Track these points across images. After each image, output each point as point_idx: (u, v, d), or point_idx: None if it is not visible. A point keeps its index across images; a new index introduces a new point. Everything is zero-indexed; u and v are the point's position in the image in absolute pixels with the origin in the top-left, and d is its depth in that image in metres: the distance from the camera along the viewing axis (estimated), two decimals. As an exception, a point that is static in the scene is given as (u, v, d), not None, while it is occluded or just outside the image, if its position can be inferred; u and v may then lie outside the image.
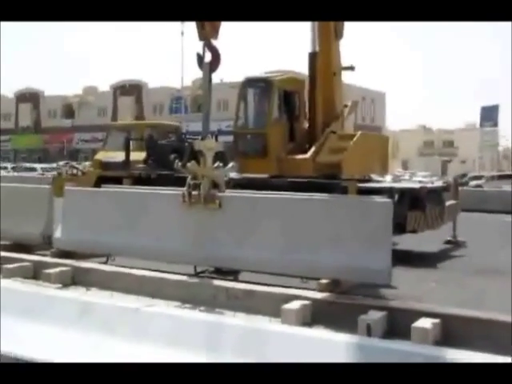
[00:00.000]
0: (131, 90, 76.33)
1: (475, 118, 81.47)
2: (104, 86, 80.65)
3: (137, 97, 76.21)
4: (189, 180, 8.65)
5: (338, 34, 14.75)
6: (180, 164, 8.80)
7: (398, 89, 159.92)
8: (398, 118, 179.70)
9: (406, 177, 56.08)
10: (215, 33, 9.04)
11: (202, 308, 7.66)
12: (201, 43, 9.11)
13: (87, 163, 46.32)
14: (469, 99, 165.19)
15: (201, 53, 9.11)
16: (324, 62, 14.43)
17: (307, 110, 14.92)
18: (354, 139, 13.81)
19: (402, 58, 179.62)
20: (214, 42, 9.10)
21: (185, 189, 8.68)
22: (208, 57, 9.10)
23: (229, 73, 56.96)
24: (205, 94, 9.60)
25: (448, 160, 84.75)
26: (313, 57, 14.51)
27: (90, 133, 73.73)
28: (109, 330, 4.61)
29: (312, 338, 4.30)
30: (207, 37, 9.00)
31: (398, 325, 6.71)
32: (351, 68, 15.28)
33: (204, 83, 9.57)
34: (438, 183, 19.49)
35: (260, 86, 14.86)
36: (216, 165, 8.88)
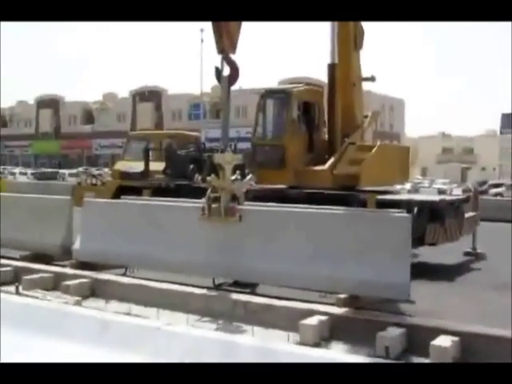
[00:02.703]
0: (150, 96, 76.74)
1: (496, 124, 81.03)
2: (123, 93, 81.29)
3: (156, 103, 76.61)
4: (209, 193, 8.68)
5: (358, 45, 14.69)
6: (200, 178, 8.82)
7: (417, 95, 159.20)
8: (416, 125, 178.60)
9: (425, 184, 55.87)
10: (233, 47, 9.06)
11: (219, 322, 7.68)
12: (219, 56, 9.14)
13: (106, 169, 46.76)
14: (489, 105, 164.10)
15: (219, 66, 9.14)
16: (343, 73, 14.36)
17: (327, 120, 14.90)
18: (373, 150, 13.75)
19: (421, 64, 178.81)
20: (233, 56, 9.13)
21: (204, 201, 8.72)
22: (226, 70, 9.12)
23: (247, 79, 57.07)
24: (224, 107, 9.65)
25: (467, 167, 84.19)
26: (332, 68, 14.46)
27: (108, 139, 74.29)
28: (129, 350, 4.62)
29: (325, 360, 4.25)
30: (225, 51, 9.03)
31: (416, 342, 6.67)
32: (372, 79, 15.18)
33: (223, 97, 9.61)
34: (458, 191, 19.39)
35: (279, 97, 14.86)
36: (234, 177, 8.90)
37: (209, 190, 8.69)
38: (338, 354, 5.75)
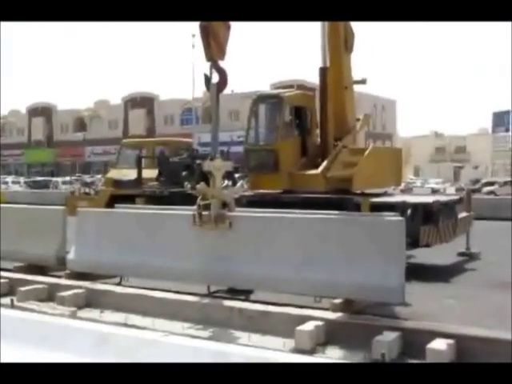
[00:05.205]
0: (142, 102, 76.72)
1: (488, 123, 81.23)
2: (115, 99, 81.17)
3: (148, 109, 76.56)
4: (199, 201, 8.69)
5: (349, 48, 14.75)
6: (190, 186, 8.82)
7: (408, 95, 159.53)
8: (409, 125, 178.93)
9: (418, 184, 55.98)
10: (222, 54, 9.10)
11: (215, 330, 7.67)
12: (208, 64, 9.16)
13: (99, 176, 46.75)
14: (481, 104, 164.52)
15: (208, 74, 9.17)
16: (335, 76, 14.42)
17: (319, 124, 14.91)
18: (366, 153, 13.78)
19: (412, 63, 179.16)
20: (221, 63, 9.16)
21: (195, 209, 8.73)
22: (215, 78, 9.15)
23: (240, 82, 57.10)
24: (213, 114, 9.64)
25: (460, 166, 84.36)
26: (323, 72, 14.50)
27: (101, 146, 74.21)
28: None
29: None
30: (214, 58, 9.06)
31: (412, 346, 6.68)
32: (363, 82, 15.25)
33: (212, 104, 9.63)
34: (451, 190, 19.40)
35: (271, 102, 14.90)
36: (224, 184, 8.91)
37: (199, 198, 8.70)
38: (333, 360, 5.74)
